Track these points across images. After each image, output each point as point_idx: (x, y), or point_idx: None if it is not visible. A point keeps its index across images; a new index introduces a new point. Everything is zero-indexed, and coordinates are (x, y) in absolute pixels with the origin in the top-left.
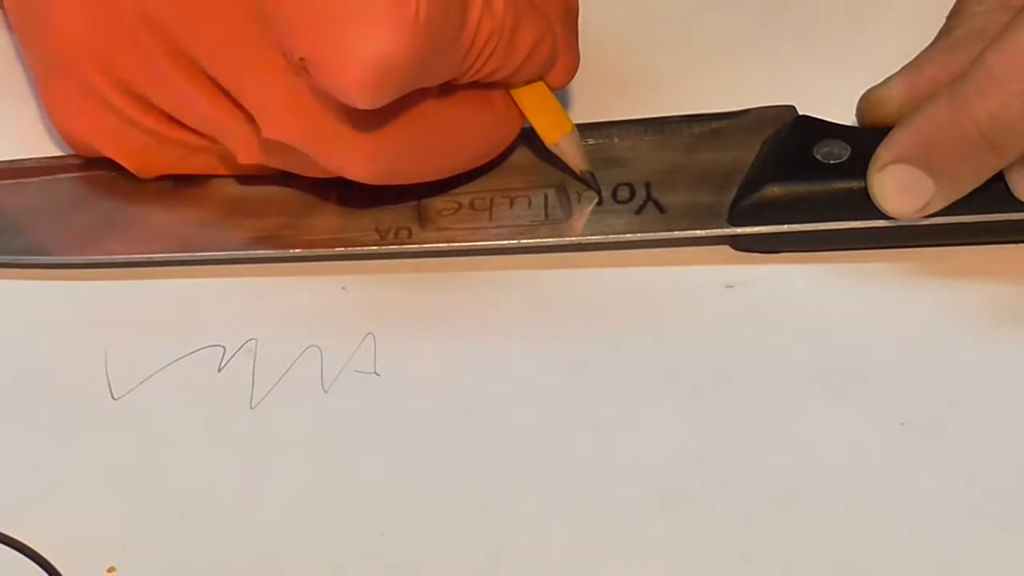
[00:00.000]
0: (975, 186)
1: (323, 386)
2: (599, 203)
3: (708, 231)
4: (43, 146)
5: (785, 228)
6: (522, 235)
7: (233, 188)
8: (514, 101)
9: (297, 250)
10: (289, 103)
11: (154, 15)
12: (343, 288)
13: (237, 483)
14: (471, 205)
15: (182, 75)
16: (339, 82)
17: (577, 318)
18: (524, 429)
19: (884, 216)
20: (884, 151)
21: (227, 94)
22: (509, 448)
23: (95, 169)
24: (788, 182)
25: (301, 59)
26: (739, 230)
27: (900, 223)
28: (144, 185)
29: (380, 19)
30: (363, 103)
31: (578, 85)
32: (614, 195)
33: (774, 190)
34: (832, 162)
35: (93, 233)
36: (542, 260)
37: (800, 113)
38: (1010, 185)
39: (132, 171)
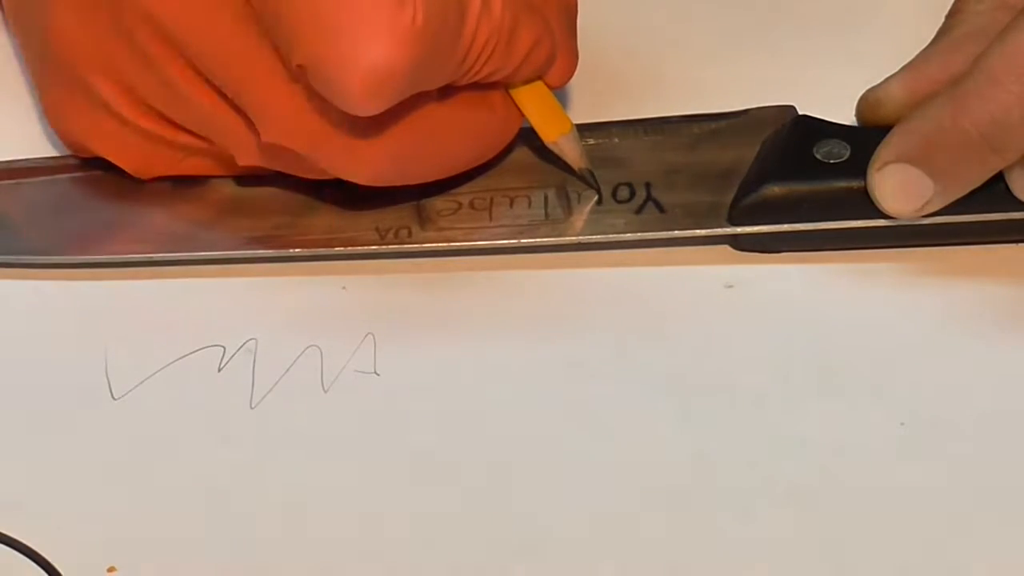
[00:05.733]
0: (974, 186)
1: (323, 386)
2: (599, 203)
3: (708, 231)
4: (42, 146)
5: (785, 228)
6: (522, 235)
7: (232, 188)
8: (513, 101)
9: (297, 250)
10: (288, 107)
11: (153, 18)
12: (343, 288)
13: (237, 483)
14: (471, 205)
15: (181, 78)
16: (338, 90)
17: (577, 318)
18: (524, 429)
19: (884, 216)
20: (884, 150)
21: (226, 97)
22: (509, 448)
23: (94, 169)
24: (788, 182)
25: (299, 66)
26: (739, 230)
27: (900, 223)
28: (143, 185)
29: (378, 26)
30: (363, 110)
31: (578, 85)
32: (614, 195)
33: (774, 190)
34: (832, 162)
35: (93, 233)
36: (542, 260)
37: (800, 113)
38: (1010, 185)
39: (130, 173)
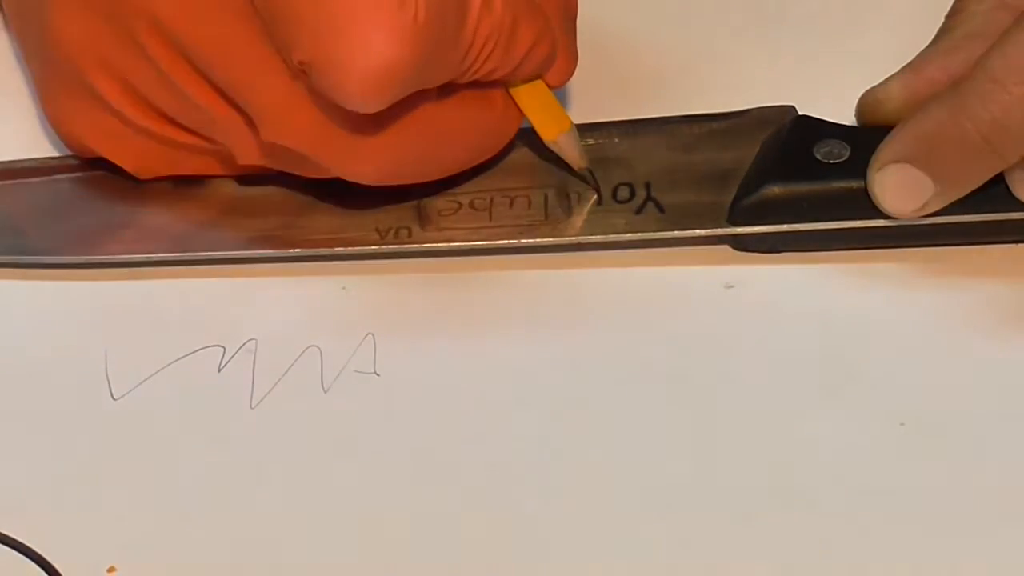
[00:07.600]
0: (974, 187)
1: (323, 386)
2: (599, 203)
3: (708, 231)
4: (43, 146)
5: (785, 228)
6: (522, 235)
7: (233, 188)
8: (513, 100)
9: (297, 250)
10: (289, 106)
11: (153, 16)
12: (343, 288)
13: (237, 483)
14: (471, 205)
15: (181, 76)
16: (340, 87)
17: (577, 318)
18: (524, 429)
19: (884, 216)
20: (884, 151)
21: (226, 95)
22: (509, 448)
23: (94, 169)
24: (788, 182)
25: (301, 63)
26: (739, 230)
27: (900, 223)
28: (144, 185)
29: (379, 23)
30: (364, 107)
31: (578, 85)
32: (614, 195)
33: (774, 190)
34: (832, 161)
35: (93, 233)
36: (542, 260)
37: (800, 113)
38: (1010, 186)
39: (131, 172)
